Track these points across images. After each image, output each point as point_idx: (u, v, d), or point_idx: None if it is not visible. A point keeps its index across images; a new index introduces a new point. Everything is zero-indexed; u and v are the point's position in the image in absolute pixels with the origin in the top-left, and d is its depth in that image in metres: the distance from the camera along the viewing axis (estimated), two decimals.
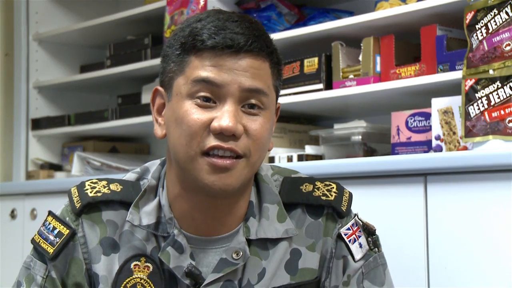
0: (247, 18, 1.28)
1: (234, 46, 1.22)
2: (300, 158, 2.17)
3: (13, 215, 2.82)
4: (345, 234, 1.36)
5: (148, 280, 1.31)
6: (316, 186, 1.38)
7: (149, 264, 1.31)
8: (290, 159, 2.17)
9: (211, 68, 1.23)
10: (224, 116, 1.22)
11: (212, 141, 1.22)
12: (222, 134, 1.22)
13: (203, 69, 1.23)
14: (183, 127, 1.23)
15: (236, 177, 1.24)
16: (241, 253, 1.30)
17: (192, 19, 1.28)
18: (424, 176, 1.72)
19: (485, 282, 1.60)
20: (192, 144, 1.23)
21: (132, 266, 1.31)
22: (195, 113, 1.23)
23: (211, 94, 1.23)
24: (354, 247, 1.36)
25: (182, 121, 1.23)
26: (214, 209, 1.30)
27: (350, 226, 1.37)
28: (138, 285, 1.31)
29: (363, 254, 1.37)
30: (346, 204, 1.38)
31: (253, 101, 1.25)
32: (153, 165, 1.39)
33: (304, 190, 1.38)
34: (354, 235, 1.37)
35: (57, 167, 3.06)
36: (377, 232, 1.41)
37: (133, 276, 1.31)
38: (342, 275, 1.36)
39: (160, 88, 1.32)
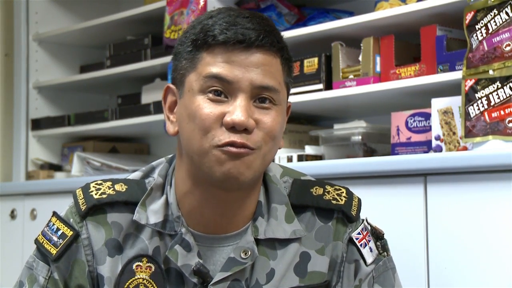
0: (257, 15, 1.28)
1: (245, 41, 1.23)
2: (300, 158, 2.17)
3: (13, 215, 2.82)
4: (356, 239, 1.37)
5: (151, 281, 1.31)
6: (327, 190, 1.39)
7: (151, 265, 1.31)
8: (290, 159, 2.17)
9: (223, 64, 1.23)
10: (237, 111, 1.22)
11: (226, 137, 1.22)
12: (234, 128, 1.22)
13: (214, 65, 1.24)
14: (196, 121, 1.24)
15: (249, 166, 1.24)
16: (250, 253, 1.30)
17: (203, 16, 1.29)
18: (424, 176, 1.72)
19: (485, 282, 1.60)
20: (206, 137, 1.23)
21: (134, 267, 1.31)
22: (207, 107, 1.23)
23: (223, 89, 1.24)
24: (365, 251, 1.37)
25: (195, 116, 1.24)
26: (224, 205, 1.30)
27: (361, 231, 1.38)
28: (141, 285, 1.31)
29: (374, 259, 1.38)
30: (356, 209, 1.39)
31: (264, 98, 1.25)
32: (159, 163, 1.39)
33: (315, 193, 1.38)
34: (364, 240, 1.37)
35: (57, 167, 3.06)
36: (385, 236, 1.42)
37: (136, 277, 1.31)
38: (354, 279, 1.36)
39: (171, 86, 1.32)
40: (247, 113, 1.23)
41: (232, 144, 1.22)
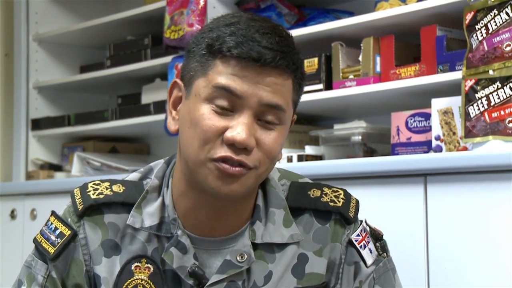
0: (278, 32, 1.25)
1: (260, 60, 1.20)
2: (300, 158, 2.17)
3: (13, 215, 2.82)
4: (356, 240, 1.36)
5: (149, 281, 1.31)
6: (324, 192, 1.38)
7: (149, 265, 1.31)
8: (290, 159, 2.17)
9: (234, 77, 1.21)
10: (239, 128, 1.21)
11: (223, 151, 1.21)
12: (234, 145, 1.21)
13: (225, 76, 1.22)
14: (197, 130, 1.22)
15: (242, 184, 1.24)
16: (246, 256, 1.30)
17: (222, 21, 1.26)
18: (424, 176, 1.72)
19: (485, 282, 1.60)
20: (203, 149, 1.22)
21: (133, 267, 1.31)
22: (211, 119, 1.22)
23: (229, 103, 1.22)
24: (365, 253, 1.37)
25: (197, 124, 1.22)
26: (218, 209, 1.30)
27: (360, 232, 1.38)
28: (139, 286, 1.31)
29: (374, 260, 1.38)
30: (354, 210, 1.38)
31: (269, 117, 1.24)
32: (157, 164, 1.38)
33: (312, 195, 1.38)
34: (364, 241, 1.37)
35: (57, 167, 3.06)
36: (384, 237, 1.42)
37: (134, 278, 1.31)
38: (353, 281, 1.36)
39: (179, 82, 1.31)
40: (249, 132, 1.21)
41: (228, 159, 1.21)
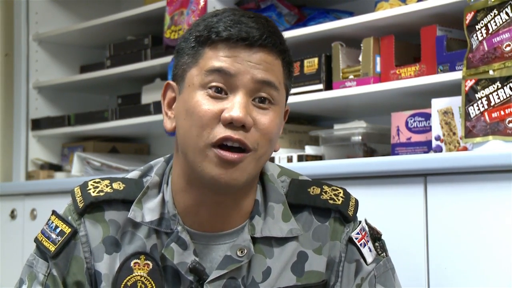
0: (262, 16, 1.30)
1: (249, 39, 1.24)
2: (300, 158, 2.17)
3: (13, 215, 2.82)
4: (356, 238, 1.37)
5: (148, 278, 1.31)
6: (324, 190, 1.39)
7: (148, 262, 1.32)
8: (290, 159, 2.17)
9: (225, 58, 1.25)
10: (235, 107, 1.23)
11: (222, 132, 1.23)
12: (232, 124, 1.23)
13: (217, 59, 1.25)
14: (194, 117, 1.24)
15: (242, 171, 1.25)
16: (246, 251, 1.31)
17: (208, 15, 1.31)
18: (424, 176, 1.72)
19: (485, 282, 1.60)
20: (202, 135, 1.24)
21: (132, 264, 1.32)
22: (206, 104, 1.24)
23: (224, 84, 1.24)
24: (365, 251, 1.37)
25: (193, 112, 1.24)
26: (219, 205, 1.30)
27: (359, 231, 1.38)
28: (139, 282, 1.31)
29: (373, 258, 1.38)
30: (353, 209, 1.39)
31: (264, 94, 1.26)
32: (157, 162, 1.40)
33: (312, 193, 1.39)
34: (363, 240, 1.38)
35: (57, 167, 3.06)
36: (383, 237, 1.42)
37: (133, 274, 1.32)
38: (354, 278, 1.37)
39: (172, 82, 1.33)
40: (245, 110, 1.23)
41: (227, 139, 1.22)
